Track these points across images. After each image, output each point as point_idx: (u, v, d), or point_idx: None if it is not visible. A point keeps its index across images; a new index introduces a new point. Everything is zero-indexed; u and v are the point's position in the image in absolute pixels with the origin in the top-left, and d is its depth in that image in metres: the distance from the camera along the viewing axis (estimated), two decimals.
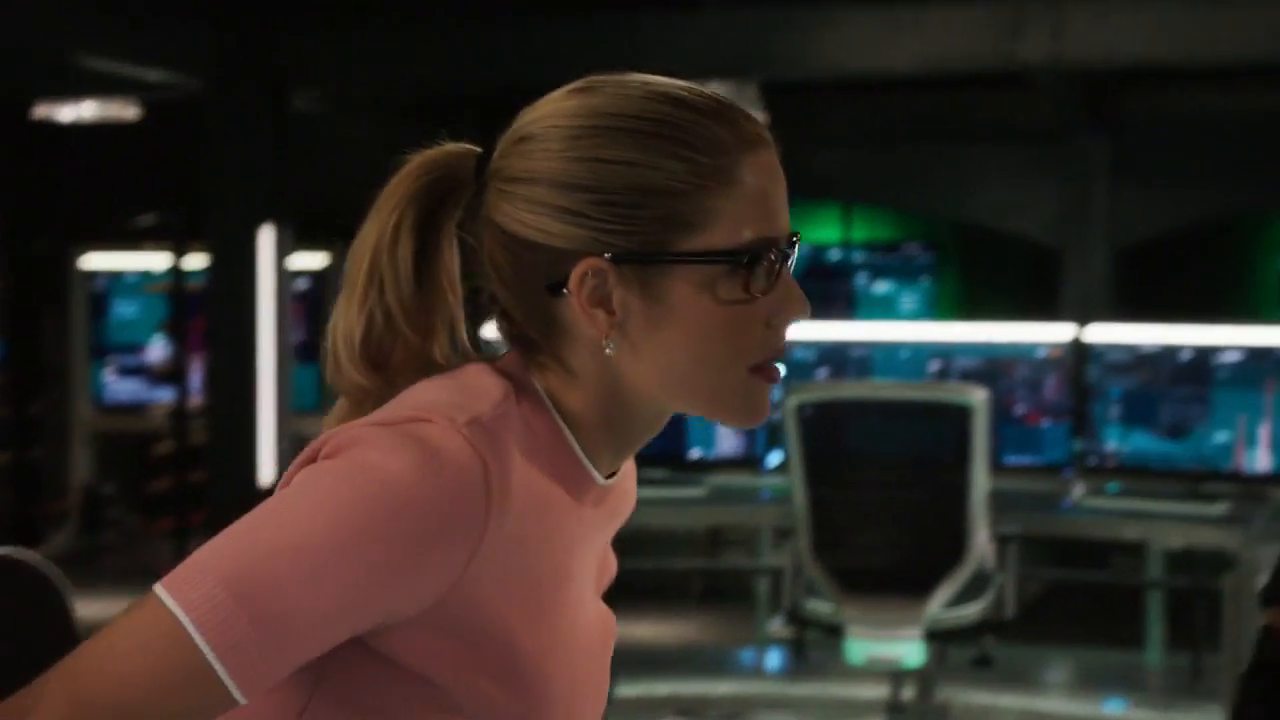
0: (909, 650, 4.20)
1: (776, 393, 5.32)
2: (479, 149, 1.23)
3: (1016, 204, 8.17)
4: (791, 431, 4.25)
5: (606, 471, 1.23)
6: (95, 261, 8.19)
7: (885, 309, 8.66)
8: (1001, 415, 4.70)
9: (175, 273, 7.82)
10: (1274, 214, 8.41)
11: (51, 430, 8.19)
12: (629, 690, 5.26)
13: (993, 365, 4.84)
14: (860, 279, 8.75)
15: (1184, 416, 4.58)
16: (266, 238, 6.68)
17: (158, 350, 8.12)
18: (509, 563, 1.14)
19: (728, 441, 4.99)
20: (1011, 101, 7.72)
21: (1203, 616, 5.44)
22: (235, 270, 6.68)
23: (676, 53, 6.38)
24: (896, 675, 4.67)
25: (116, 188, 8.60)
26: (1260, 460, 4.49)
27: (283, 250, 6.74)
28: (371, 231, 1.22)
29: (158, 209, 8.15)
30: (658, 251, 1.16)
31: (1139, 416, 4.64)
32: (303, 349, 7.02)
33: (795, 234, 1.21)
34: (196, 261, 7.41)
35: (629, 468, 1.30)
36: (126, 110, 7.46)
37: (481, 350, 1.24)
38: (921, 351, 4.96)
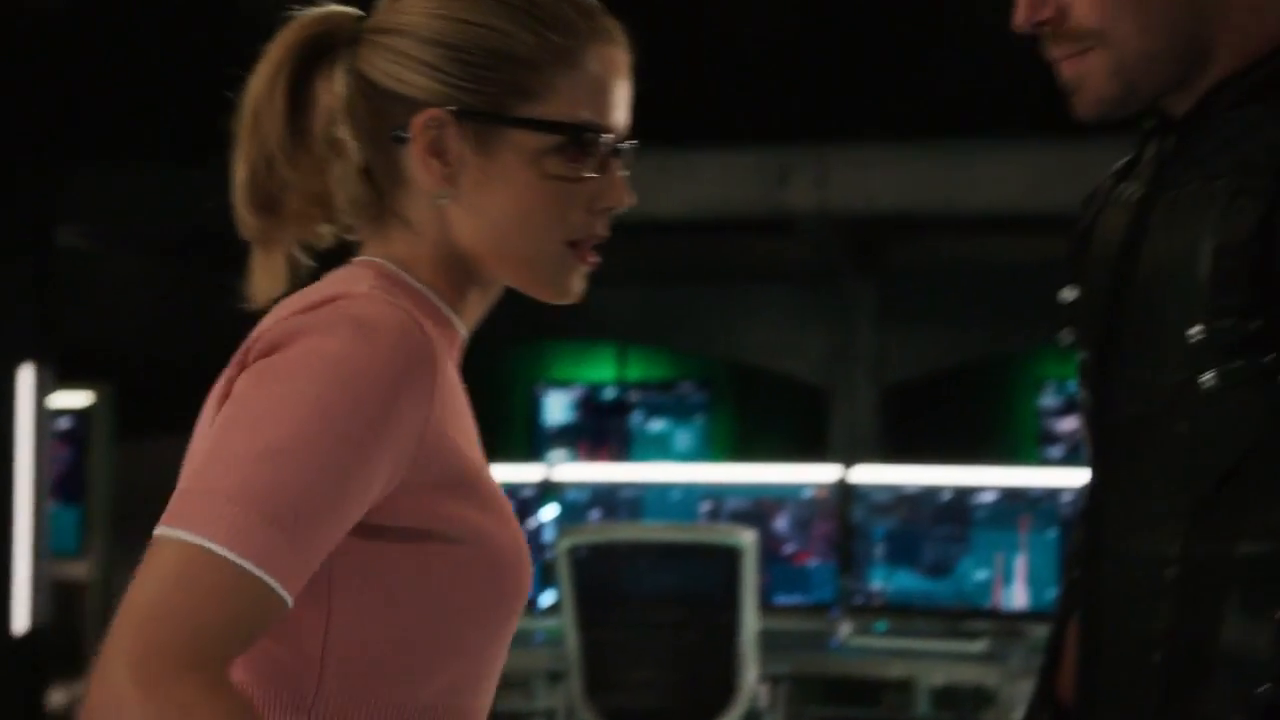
0: None
1: (550, 533, 5.28)
2: (359, 12, 1.32)
3: (786, 344, 8.36)
4: (564, 573, 4.25)
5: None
6: None
7: (660, 447, 8.74)
8: (770, 555, 4.77)
9: None
10: (1031, 355, 8.76)
11: None
12: None
13: (761, 505, 4.92)
14: (636, 417, 8.84)
15: (945, 555, 4.71)
16: (26, 376, 6.48)
17: None
18: (452, 404, 1.23)
19: None
20: (780, 245, 7.93)
21: None
22: None
23: None
24: None
25: None
26: (1017, 597, 4.63)
27: (43, 389, 6.54)
28: (253, 85, 1.30)
29: None
30: (496, 113, 1.26)
31: (902, 555, 4.76)
32: (63, 490, 6.79)
33: (631, 137, 1.31)
34: None
35: None
36: None
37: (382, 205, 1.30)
38: (693, 492, 5.02)
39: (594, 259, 1.31)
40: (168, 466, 1.32)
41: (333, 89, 1.30)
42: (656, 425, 8.84)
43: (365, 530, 1.18)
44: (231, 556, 1.08)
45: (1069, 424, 8.51)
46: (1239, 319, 1.29)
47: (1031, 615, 4.61)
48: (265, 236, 1.31)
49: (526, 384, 8.60)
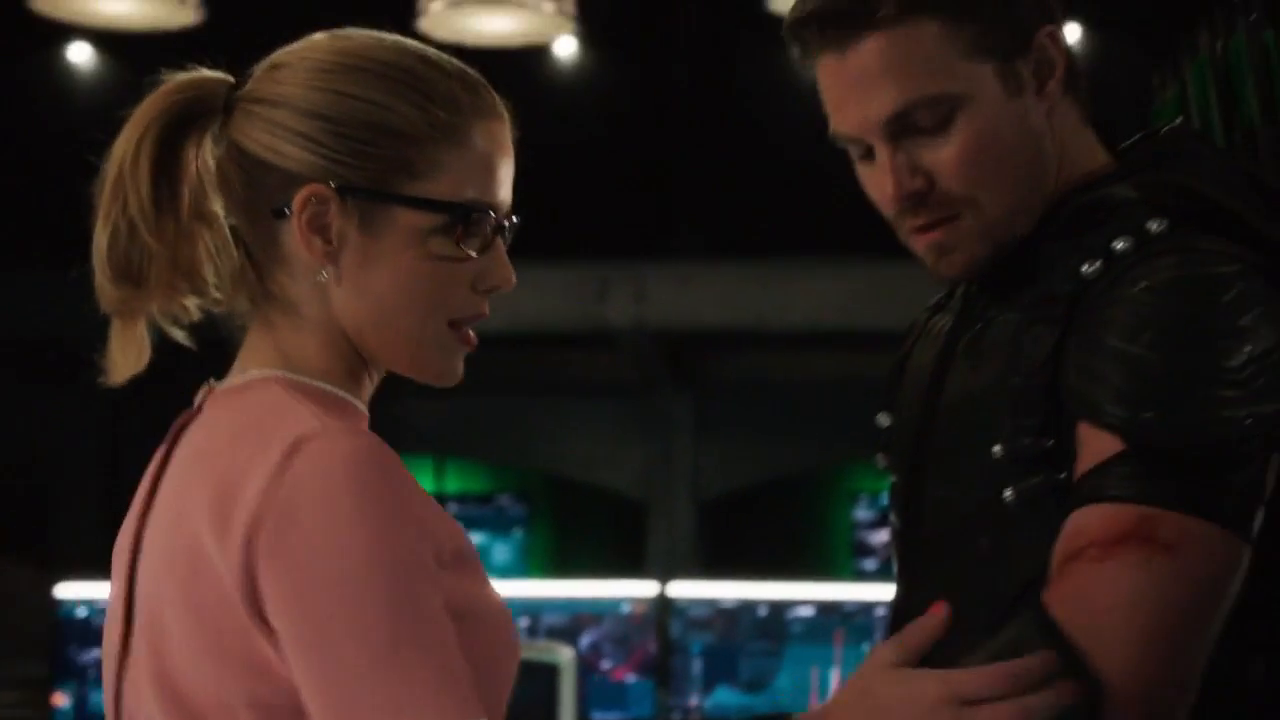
0: None
1: None
2: (233, 79, 1.27)
3: (605, 458, 8.38)
4: None
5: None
6: None
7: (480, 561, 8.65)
8: (588, 671, 4.73)
9: None
10: (844, 470, 8.90)
11: None
12: None
13: (579, 621, 4.89)
14: None
15: (761, 670, 4.72)
16: None
17: None
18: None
19: None
20: (599, 359, 7.98)
21: None
22: None
23: None
24: None
25: None
26: None
27: None
28: (118, 148, 1.25)
29: None
30: (380, 190, 1.21)
31: (720, 671, 4.76)
32: None
33: (513, 215, 1.28)
34: None
35: None
36: None
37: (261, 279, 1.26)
38: (510, 608, 4.97)
39: (473, 341, 1.27)
40: None
41: (203, 157, 1.26)
42: (474, 539, 8.73)
43: None
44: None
45: (882, 536, 8.64)
46: (1035, 438, 1.34)
47: None
48: (125, 307, 1.25)
49: None
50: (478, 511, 8.84)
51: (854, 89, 1.39)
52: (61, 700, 4.13)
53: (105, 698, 1.28)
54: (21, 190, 7.08)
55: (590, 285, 6.45)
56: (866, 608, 4.64)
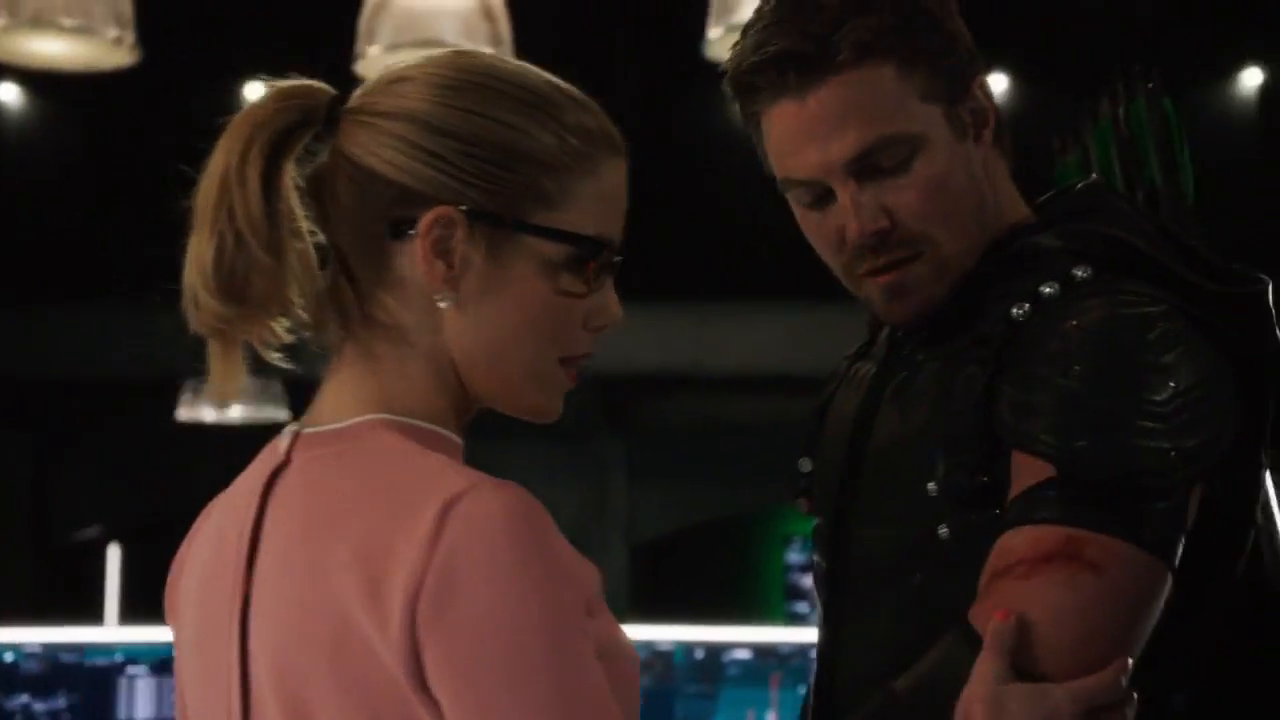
0: None
1: None
2: (334, 90, 1.21)
3: (539, 501, 8.35)
4: None
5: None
6: None
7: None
8: None
9: None
10: (776, 513, 8.93)
11: None
12: None
13: None
14: None
15: (697, 713, 4.72)
16: None
17: None
18: None
19: None
20: None
21: None
22: None
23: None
24: None
25: None
26: None
27: None
28: (220, 159, 1.16)
29: None
30: (513, 218, 1.16)
31: (656, 714, 4.75)
32: None
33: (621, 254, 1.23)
34: None
35: None
36: None
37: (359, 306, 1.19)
38: None
39: (575, 379, 1.22)
40: None
41: (306, 170, 1.19)
42: None
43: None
44: None
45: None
46: (970, 475, 1.38)
47: None
48: (227, 326, 1.16)
49: None
50: None
51: (814, 131, 1.42)
52: None
53: None
54: None
55: None
56: (803, 650, 4.66)
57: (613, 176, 1.20)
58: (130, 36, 3.44)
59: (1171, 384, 1.33)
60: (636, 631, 4.98)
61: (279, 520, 1.16)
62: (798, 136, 1.42)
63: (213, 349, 1.18)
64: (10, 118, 7.67)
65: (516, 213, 1.16)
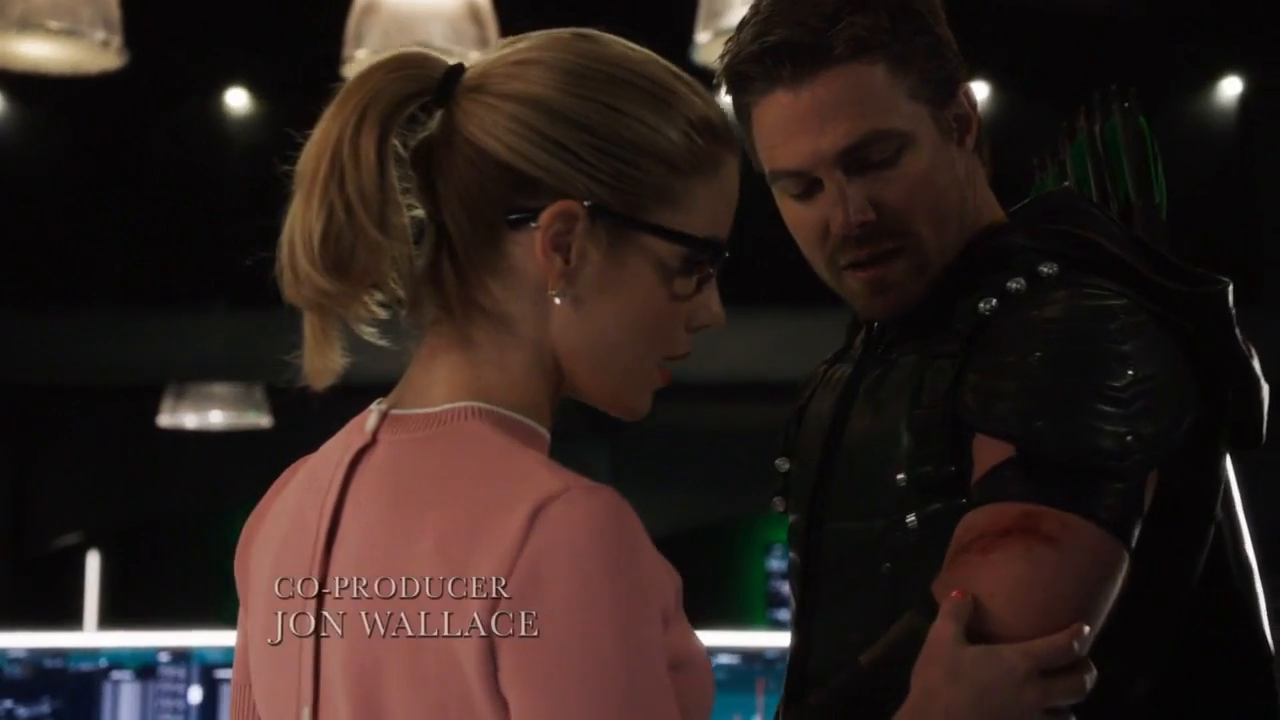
0: None
1: None
2: (450, 62, 1.16)
3: None
4: None
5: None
6: None
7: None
8: None
9: None
10: (759, 520, 8.94)
11: None
12: None
13: None
14: None
15: None
16: None
17: None
18: None
19: None
20: None
21: None
22: None
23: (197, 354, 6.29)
24: None
25: None
26: None
27: None
28: (332, 124, 1.12)
29: None
30: (637, 217, 1.13)
31: None
32: None
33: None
34: None
35: None
36: None
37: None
38: None
39: (669, 379, 1.20)
40: None
41: (417, 147, 1.15)
42: None
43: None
44: None
45: None
46: (937, 465, 1.42)
47: None
48: (328, 301, 1.12)
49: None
50: None
51: (807, 122, 1.44)
52: None
53: None
54: None
55: None
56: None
57: (732, 178, 1.18)
58: (117, 39, 3.44)
59: (1130, 372, 1.36)
60: None
61: (361, 504, 1.13)
62: (790, 127, 1.45)
63: (310, 324, 1.14)
64: None
65: (640, 212, 1.14)
